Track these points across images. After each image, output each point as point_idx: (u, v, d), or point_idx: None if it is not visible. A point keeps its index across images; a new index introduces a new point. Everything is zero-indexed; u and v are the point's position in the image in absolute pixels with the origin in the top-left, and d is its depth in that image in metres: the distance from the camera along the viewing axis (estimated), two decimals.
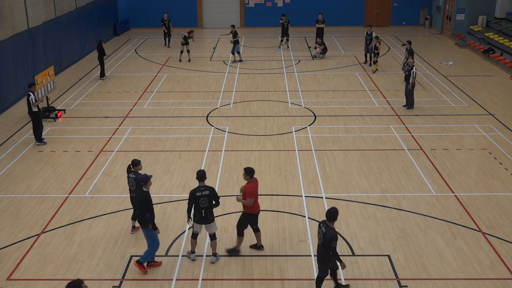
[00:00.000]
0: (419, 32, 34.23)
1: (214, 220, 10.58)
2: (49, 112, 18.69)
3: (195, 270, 10.49)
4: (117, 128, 17.84)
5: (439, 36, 32.95)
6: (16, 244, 11.43)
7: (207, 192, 10.31)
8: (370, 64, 25.37)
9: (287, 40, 29.42)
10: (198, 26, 35.54)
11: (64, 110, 19.46)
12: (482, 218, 12.27)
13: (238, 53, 26.40)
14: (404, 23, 35.67)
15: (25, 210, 12.82)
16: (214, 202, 10.44)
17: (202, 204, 10.28)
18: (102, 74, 23.69)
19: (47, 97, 18.98)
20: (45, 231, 11.91)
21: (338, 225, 11.94)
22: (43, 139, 16.66)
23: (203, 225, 10.55)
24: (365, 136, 16.97)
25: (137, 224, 11.59)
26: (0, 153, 16.04)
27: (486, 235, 11.61)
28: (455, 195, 13.32)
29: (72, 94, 21.67)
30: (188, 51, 26.48)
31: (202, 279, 10.22)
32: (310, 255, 10.90)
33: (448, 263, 10.66)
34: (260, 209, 10.97)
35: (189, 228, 11.63)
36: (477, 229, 11.84)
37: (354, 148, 16.10)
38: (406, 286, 9.95)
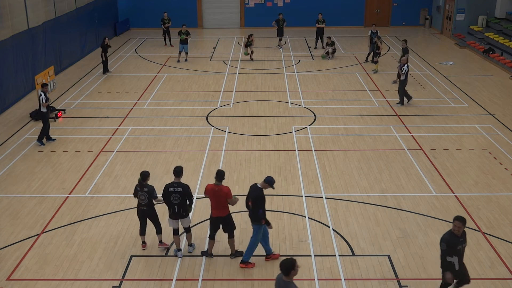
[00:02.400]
0: (419, 32, 34.23)
1: (188, 215, 10.71)
2: (49, 112, 18.67)
3: (195, 270, 10.49)
4: (117, 128, 17.84)
5: (439, 36, 32.95)
6: (16, 244, 11.43)
7: (179, 189, 10.42)
8: (369, 60, 25.84)
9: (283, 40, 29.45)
10: (198, 26, 35.55)
11: (64, 110, 19.46)
12: (482, 218, 12.27)
13: (183, 52, 26.55)
14: (404, 23, 35.67)
15: (25, 210, 12.82)
16: (187, 201, 10.54)
17: (174, 200, 10.42)
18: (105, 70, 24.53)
19: None
20: (45, 231, 11.91)
21: (338, 225, 11.97)
22: (46, 141, 16.65)
23: (179, 220, 10.67)
24: (365, 136, 16.97)
25: (146, 240, 11.27)
26: (0, 153, 16.04)
27: (486, 235, 11.61)
28: (455, 195, 13.32)
29: (72, 94, 21.67)
30: (252, 52, 26.67)
31: (202, 279, 10.22)
32: (310, 255, 10.90)
33: None
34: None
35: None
36: (477, 229, 11.84)
37: (354, 148, 16.10)
38: (406, 286, 9.95)
